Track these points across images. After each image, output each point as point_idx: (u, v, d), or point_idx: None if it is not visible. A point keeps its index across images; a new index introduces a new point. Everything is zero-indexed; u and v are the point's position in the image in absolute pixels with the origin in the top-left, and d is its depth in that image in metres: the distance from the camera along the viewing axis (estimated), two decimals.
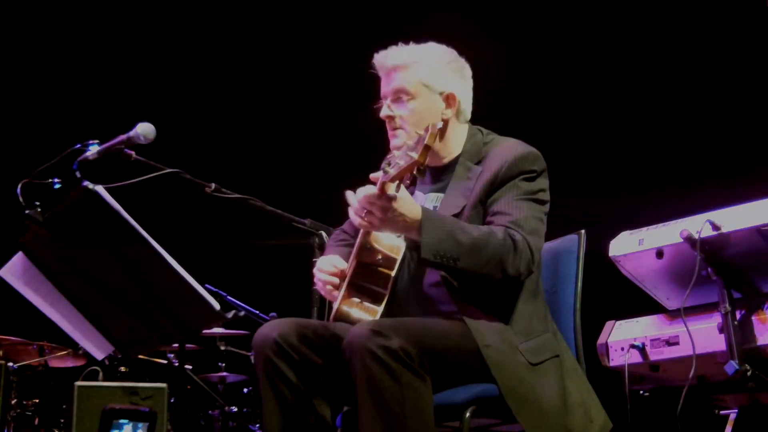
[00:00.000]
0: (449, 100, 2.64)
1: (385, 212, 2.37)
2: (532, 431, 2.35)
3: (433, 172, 2.69)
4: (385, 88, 2.66)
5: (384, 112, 2.65)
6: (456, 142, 2.67)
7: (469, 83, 2.71)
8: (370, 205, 2.38)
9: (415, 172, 2.31)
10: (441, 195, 2.63)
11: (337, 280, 2.64)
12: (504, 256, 2.39)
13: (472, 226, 2.44)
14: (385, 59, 2.66)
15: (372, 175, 2.42)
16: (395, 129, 2.62)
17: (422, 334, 2.34)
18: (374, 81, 2.71)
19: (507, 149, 2.58)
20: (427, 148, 2.27)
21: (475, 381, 2.41)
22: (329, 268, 2.66)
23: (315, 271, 2.69)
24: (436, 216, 2.43)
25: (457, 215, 2.52)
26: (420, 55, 2.64)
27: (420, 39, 2.71)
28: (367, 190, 2.39)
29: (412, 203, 2.40)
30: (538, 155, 2.58)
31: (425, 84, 2.62)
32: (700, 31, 5.39)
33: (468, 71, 2.71)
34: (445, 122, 2.63)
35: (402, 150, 2.36)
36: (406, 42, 2.69)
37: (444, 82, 2.64)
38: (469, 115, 2.71)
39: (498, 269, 2.40)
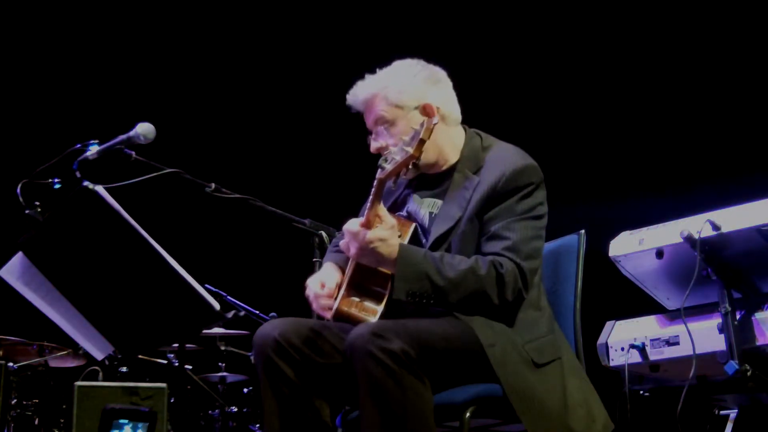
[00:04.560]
0: (426, 110, 2.60)
1: (361, 250, 2.44)
2: (534, 431, 2.35)
3: (431, 178, 2.69)
4: (368, 122, 2.67)
5: (373, 146, 2.65)
6: (451, 146, 2.66)
7: (446, 85, 2.68)
8: (351, 237, 2.45)
9: (410, 167, 2.39)
10: (439, 201, 2.63)
11: (320, 296, 2.58)
12: (488, 289, 2.41)
13: (454, 262, 2.43)
14: (355, 97, 2.66)
15: (349, 223, 2.48)
16: None
17: (423, 335, 2.33)
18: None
19: (504, 160, 2.56)
20: (422, 142, 2.33)
21: (476, 381, 2.41)
22: (315, 287, 2.60)
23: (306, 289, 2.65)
24: (414, 256, 2.43)
25: (453, 227, 2.53)
26: (385, 80, 2.63)
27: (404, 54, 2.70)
28: (349, 226, 2.47)
29: (389, 245, 2.42)
30: (535, 167, 2.57)
31: (397, 105, 2.60)
32: (699, 31, 5.39)
33: (441, 74, 2.69)
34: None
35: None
36: (372, 71, 2.67)
37: (415, 95, 2.61)
38: (457, 116, 2.69)
39: (480, 301, 2.42)
